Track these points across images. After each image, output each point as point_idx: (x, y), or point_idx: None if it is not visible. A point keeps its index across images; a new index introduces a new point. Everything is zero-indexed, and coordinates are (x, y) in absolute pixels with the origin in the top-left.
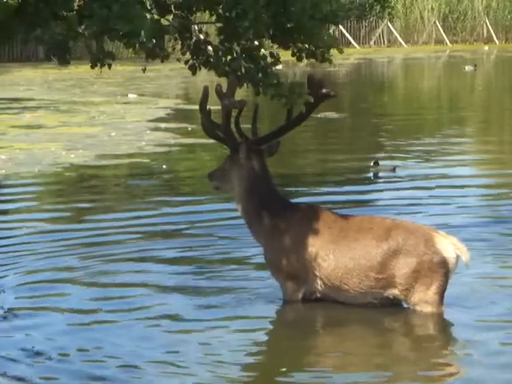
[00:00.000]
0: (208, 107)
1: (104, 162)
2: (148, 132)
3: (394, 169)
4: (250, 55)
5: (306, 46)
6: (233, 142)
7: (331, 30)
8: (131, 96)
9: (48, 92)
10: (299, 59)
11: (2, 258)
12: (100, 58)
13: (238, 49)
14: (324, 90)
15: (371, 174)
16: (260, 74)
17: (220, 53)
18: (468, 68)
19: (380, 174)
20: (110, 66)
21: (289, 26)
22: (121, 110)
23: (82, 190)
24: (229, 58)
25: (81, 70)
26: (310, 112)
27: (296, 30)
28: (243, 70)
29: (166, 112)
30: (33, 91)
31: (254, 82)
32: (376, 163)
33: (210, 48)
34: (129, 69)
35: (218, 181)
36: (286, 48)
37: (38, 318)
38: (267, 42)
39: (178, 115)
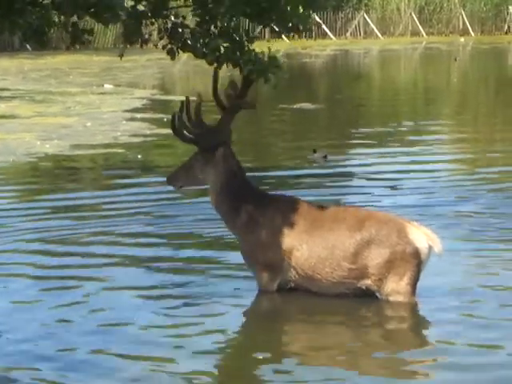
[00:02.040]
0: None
1: (79, 152)
2: (124, 122)
3: (325, 156)
4: (227, 34)
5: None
6: (211, 140)
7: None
8: (107, 86)
9: (23, 82)
10: (277, 35)
11: None
12: (78, 36)
13: (215, 30)
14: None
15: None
16: (238, 53)
17: (197, 35)
18: (457, 59)
19: (316, 161)
20: (89, 42)
21: (263, 5)
22: (96, 100)
23: (56, 179)
24: (206, 39)
25: (57, 60)
26: (230, 118)
27: (270, 10)
28: (222, 50)
29: (141, 102)
30: (8, 81)
31: (233, 61)
32: (314, 151)
33: (187, 31)
34: (104, 59)
35: (182, 181)
36: (264, 26)
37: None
38: (243, 20)
39: (154, 105)
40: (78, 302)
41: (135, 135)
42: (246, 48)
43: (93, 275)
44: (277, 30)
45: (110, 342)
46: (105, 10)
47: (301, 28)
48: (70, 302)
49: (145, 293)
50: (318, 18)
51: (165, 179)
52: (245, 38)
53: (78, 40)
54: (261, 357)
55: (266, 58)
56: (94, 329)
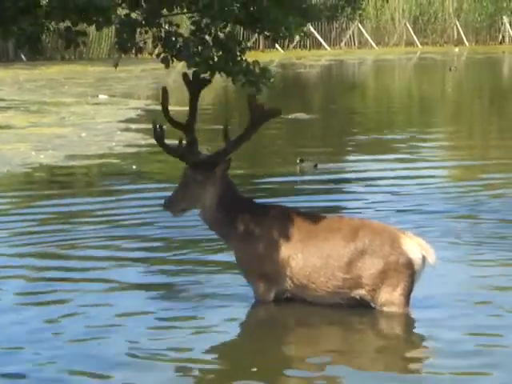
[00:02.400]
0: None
1: (74, 163)
2: (118, 133)
3: (315, 165)
4: (220, 44)
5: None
6: (216, 158)
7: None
8: (102, 97)
9: (18, 92)
10: (271, 44)
11: None
12: (73, 39)
13: (209, 39)
14: (268, 110)
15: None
16: (230, 63)
17: (191, 44)
18: (452, 69)
19: (306, 170)
20: (84, 44)
21: (255, 15)
22: (91, 110)
23: (51, 188)
24: (200, 48)
25: (52, 71)
26: (256, 128)
27: (262, 19)
28: (215, 59)
29: (136, 113)
30: (3, 91)
31: (225, 71)
32: (301, 160)
33: (180, 39)
34: (99, 69)
35: (185, 204)
36: (258, 33)
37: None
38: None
39: (149, 116)
40: (73, 304)
41: (130, 145)
42: (239, 58)
43: (90, 277)
44: (270, 37)
45: (106, 344)
46: (95, 12)
47: (294, 37)
48: (64, 304)
49: (142, 295)
50: (312, 29)
51: (161, 201)
52: (238, 49)
53: (72, 43)
54: (255, 368)
55: (257, 70)
56: (87, 331)
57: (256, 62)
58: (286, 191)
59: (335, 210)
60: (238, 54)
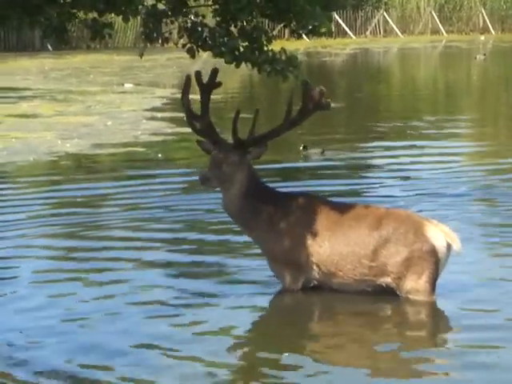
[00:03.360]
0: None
1: (99, 151)
2: (144, 121)
3: (322, 152)
4: (246, 34)
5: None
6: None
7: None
8: (127, 85)
9: (44, 81)
10: (297, 36)
11: None
12: (99, 30)
13: (234, 30)
14: (323, 101)
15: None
16: (256, 52)
17: (217, 34)
18: (479, 57)
19: (311, 156)
20: (110, 36)
21: (281, 6)
22: (117, 99)
23: (76, 178)
24: (226, 39)
25: (77, 60)
26: (304, 118)
27: (288, 11)
28: (241, 49)
29: (162, 101)
30: (29, 81)
31: (251, 61)
32: (305, 147)
33: (206, 30)
34: (125, 58)
35: (216, 181)
36: (284, 26)
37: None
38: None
39: (174, 104)
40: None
41: (155, 134)
42: (265, 48)
43: (118, 256)
44: (296, 31)
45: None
46: (123, 2)
47: (322, 31)
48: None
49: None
50: (337, 17)
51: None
52: (264, 38)
53: (98, 34)
54: (280, 355)
55: (283, 58)
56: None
57: (283, 50)
58: (306, 176)
59: (356, 194)
60: (264, 43)
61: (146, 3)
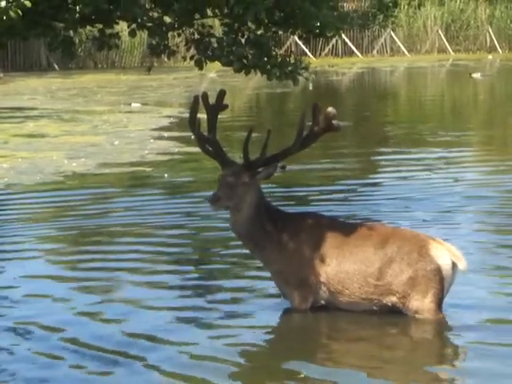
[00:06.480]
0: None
1: (106, 171)
2: (151, 141)
3: (283, 167)
4: (253, 41)
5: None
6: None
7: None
8: (134, 105)
9: (51, 101)
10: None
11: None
12: (105, 41)
13: (242, 40)
14: (334, 123)
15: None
16: (265, 58)
17: (224, 43)
18: (475, 75)
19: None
20: (117, 46)
21: (287, 10)
22: (124, 118)
23: (82, 197)
24: (233, 47)
25: (84, 79)
26: (314, 140)
27: (295, 15)
28: (249, 57)
29: (169, 121)
30: (36, 100)
31: (260, 67)
32: (283, 167)
33: (213, 40)
34: (132, 78)
35: (227, 200)
36: (290, 33)
37: None
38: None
39: (181, 124)
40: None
41: (163, 153)
42: (274, 53)
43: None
44: (303, 36)
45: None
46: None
47: (327, 34)
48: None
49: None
50: (344, 36)
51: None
52: (272, 43)
53: (105, 45)
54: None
55: (292, 60)
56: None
57: (291, 52)
58: (316, 199)
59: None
60: (272, 48)
61: (151, 14)
